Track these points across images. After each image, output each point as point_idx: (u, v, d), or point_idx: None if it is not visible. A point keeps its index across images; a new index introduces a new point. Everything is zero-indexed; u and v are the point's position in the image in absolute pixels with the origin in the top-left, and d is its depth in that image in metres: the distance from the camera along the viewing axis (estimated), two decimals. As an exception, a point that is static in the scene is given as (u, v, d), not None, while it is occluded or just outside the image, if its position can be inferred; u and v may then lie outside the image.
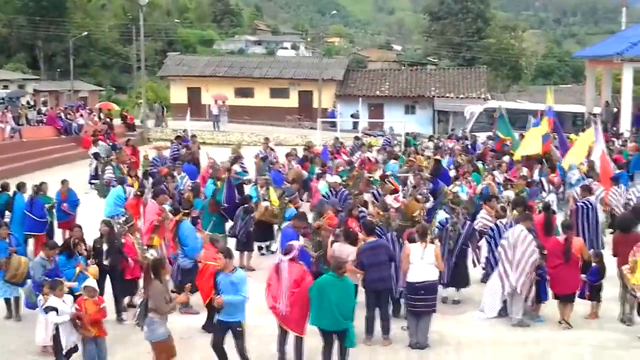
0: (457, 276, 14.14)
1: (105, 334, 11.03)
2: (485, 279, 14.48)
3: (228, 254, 10.82)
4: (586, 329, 12.97)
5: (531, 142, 22.95)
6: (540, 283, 13.19)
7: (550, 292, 13.32)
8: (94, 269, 12.45)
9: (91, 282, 11.26)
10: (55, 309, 10.50)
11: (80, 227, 13.78)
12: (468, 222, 14.44)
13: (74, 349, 10.67)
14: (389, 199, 17.23)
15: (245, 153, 26.26)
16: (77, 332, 10.63)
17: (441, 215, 15.65)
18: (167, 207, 15.56)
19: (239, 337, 10.63)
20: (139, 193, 17.44)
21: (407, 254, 12.11)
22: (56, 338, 10.61)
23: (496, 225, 14.25)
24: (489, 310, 13.55)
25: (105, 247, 13.30)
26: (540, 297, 13.32)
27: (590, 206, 16.16)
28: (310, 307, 10.78)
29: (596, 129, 21.97)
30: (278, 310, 10.88)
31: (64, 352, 10.57)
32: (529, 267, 12.81)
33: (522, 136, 25.43)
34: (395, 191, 18.35)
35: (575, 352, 11.97)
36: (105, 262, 13.20)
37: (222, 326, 10.67)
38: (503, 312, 13.46)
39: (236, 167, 22.39)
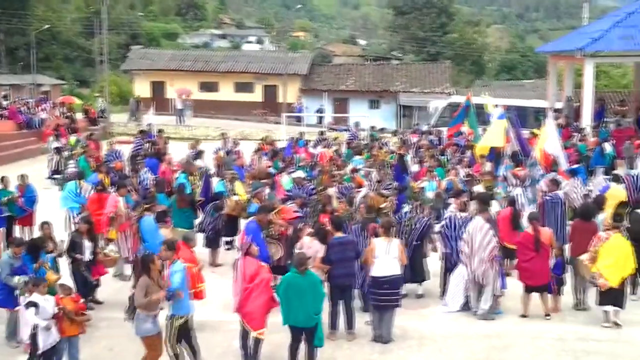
0: (413, 270, 14.21)
1: (85, 331, 11.00)
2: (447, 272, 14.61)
3: (169, 247, 11.01)
4: (547, 321, 13.15)
5: (495, 135, 23.14)
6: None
7: (509, 284, 13.55)
8: (54, 274, 12.10)
9: (65, 280, 11.21)
10: (36, 305, 10.34)
11: (49, 224, 13.62)
12: (424, 218, 14.54)
13: (52, 350, 10.50)
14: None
15: (205, 148, 26.12)
16: (56, 332, 10.48)
17: (405, 208, 15.71)
18: (121, 201, 15.60)
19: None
20: (99, 188, 17.26)
21: (372, 248, 12.17)
22: (34, 338, 10.39)
23: (450, 218, 14.39)
24: (452, 303, 13.68)
25: (87, 243, 13.29)
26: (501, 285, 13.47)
27: (558, 200, 16.34)
28: (280, 305, 10.80)
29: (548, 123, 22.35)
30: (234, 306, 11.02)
31: (39, 352, 10.37)
32: (487, 255, 12.97)
33: (484, 130, 25.65)
34: (360, 186, 18.46)
35: (536, 345, 12.13)
36: (88, 258, 13.20)
37: None
38: (466, 306, 13.59)
39: (200, 163, 22.39)
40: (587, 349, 11.96)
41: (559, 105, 37.97)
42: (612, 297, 12.85)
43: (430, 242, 14.89)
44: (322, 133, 31.76)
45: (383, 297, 12.05)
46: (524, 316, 13.32)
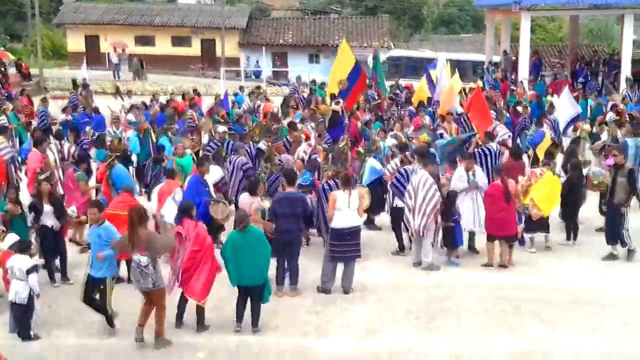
0: None
1: None
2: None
3: (100, 208, 10.83)
4: (485, 271, 13.44)
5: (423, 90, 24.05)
6: (454, 229, 13.66)
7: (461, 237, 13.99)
8: None
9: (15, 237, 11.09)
10: (37, 269, 10.48)
11: (15, 188, 13.22)
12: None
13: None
14: (303, 146, 17.24)
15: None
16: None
17: (373, 162, 15.72)
18: (51, 156, 15.45)
19: (103, 294, 10.53)
20: None
21: (334, 200, 12.19)
22: (30, 301, 10.45)
23: (405, 170, 14.43)
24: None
25: (47, 207, 12.61)
26: (456, 243, 13.82)
27: (489, 152, 16.55)
28: (227, 268, 10.71)
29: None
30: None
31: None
32: (430, 210, 13.11)
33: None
34: (307, 138, 18.47)
35: (474, 294, 12.36)
36: (51, 223, 12.65)
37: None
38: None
39: (130, 117, 22.17)
40: (523, 297, 12.24)
41: (497, 59, 38.40)
42: (540, 225, 14.44)
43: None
44: (258, 87, 31.59)
45: (345, 249, 12.15)
46: (488, 265, 13.56)
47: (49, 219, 12.62)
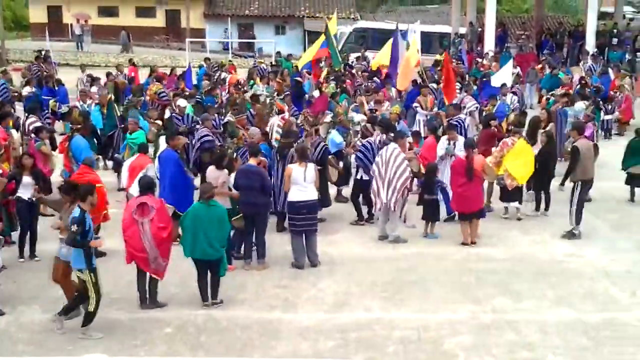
0: None
1: None
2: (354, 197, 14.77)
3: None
4: (451, 245, 13.50)
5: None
6: (436, 201, 13.90)
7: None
8: None
9: None
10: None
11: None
12: (321, 144, 14.58)
13: None
14: (276, 119, 17.12)
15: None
16: None
17: (334, 135, 15.66)
18: (14, 133, 15.47)
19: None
20: None
21: (289, 174, 12.16)
22: None
23: (368, 142, 14.44)
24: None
25: (26, 179, 12.42)
26: (437, 216, 14.00)
27: (460, 124, 16.67)
28: (183, 238, 10.67)
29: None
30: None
31: None
32: (400, 185, 13.14)
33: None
34: (281, 111, 18.37)
35: (440, 267, 12.48)
36: (27, 196, 12.44)
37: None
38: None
39: (94, 89, 22.01)
40: (488, 268, 12.38)
41: (463, 30, 38.44)
42: (514, 195, 14.71)
43: (332, 166, 14.84)
44: (208, 59, 31.09)
45: (302, 222, 12.16)
46: (464, 244, 13.45)
47: (25, 191, 12.49)
